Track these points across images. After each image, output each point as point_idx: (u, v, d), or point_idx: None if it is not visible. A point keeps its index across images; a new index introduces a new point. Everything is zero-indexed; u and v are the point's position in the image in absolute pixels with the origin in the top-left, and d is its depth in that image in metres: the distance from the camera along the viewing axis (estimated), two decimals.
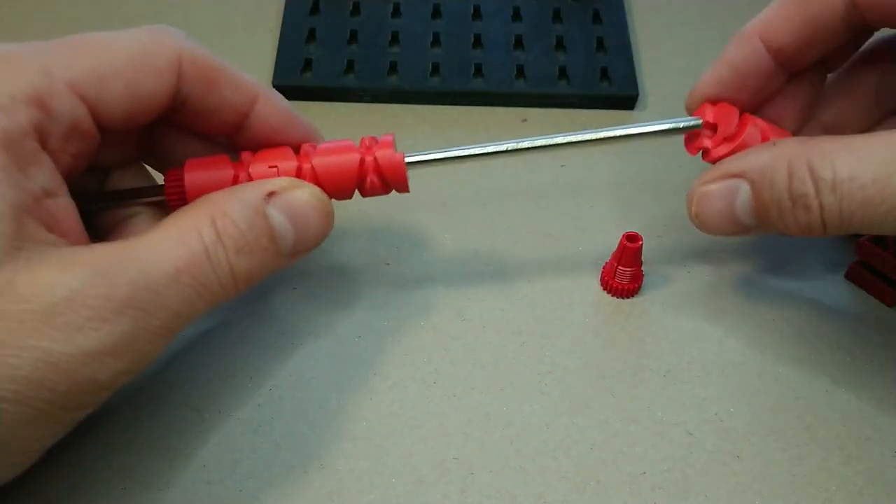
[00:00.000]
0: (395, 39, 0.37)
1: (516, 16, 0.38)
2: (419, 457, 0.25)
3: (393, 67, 0.36)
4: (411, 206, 0.32)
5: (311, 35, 0.37)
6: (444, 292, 0.30)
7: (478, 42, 0.37)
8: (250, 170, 0.24)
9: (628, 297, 0.29)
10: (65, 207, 0.21)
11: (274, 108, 0.25)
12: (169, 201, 0.24)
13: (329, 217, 0.24)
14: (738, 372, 0.28)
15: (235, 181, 0.24)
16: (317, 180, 0.25)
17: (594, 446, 0.26)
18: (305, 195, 0.24)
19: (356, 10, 0.38)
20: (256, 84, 0.25)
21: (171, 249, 0.21)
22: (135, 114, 0.22)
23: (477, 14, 0.38)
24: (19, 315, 0.18)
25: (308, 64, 0.36)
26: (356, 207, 0.26)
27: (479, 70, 0.36)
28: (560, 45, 0.37)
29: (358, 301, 0.29)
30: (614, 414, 0.26)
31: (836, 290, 0.30)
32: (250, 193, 0.23)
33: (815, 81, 0.28)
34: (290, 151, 0.25)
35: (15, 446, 0.20)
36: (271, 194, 0.23)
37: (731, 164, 0.25)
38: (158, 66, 0.22)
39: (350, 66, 0.36)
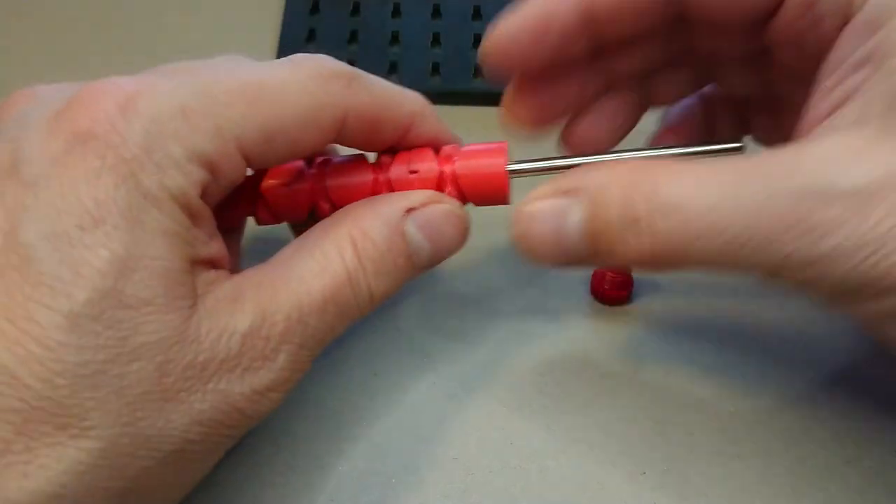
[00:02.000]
0: (395, 39, 0.37)
1: None
2: (419, 457, 0.25)
3: (393, 67, 0.36)
4: None
5: (311, 35, 0.37)
6: (444, 292, 0.30)
7: (478, 42, 0.37)
8: (390, 174, 0.24)
9: (619, 305, 0.29)
10: (220, 246, 0.21)
11: (427, 133, 0.24)
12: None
13: (466, 231, 0.24)
14: (739, 372, 0.28)
15: (375, 185, 0.24)
16: (458, 184, 0.24)
17: (594, 446, 0.26)
18: (444, 210, 0.23)
19: (356, 10, 0.38)
20: (415, 111, 0.24)
21: (318, 277, 0.21)
22: (284, 161, 0.23)
23: (477, 14, 0.38)
24: (204, 363, 0.19)
25: None
26: None
27: (479, 70, 0.36)
28: None
29: None
30: (614, 414, 0.27)
31: None
32: (389, 210, 0.23)
33: (632, 102, 0.26)
34: (431, 153, 0.24)
35: (192, 480, 0.21)
36: (410, 210, 0.23)
37: (565, 180, 0.22)
38: (323, 125, 0.22)
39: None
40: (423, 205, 0.23)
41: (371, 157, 0.25)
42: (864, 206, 0.18)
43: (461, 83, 0.35)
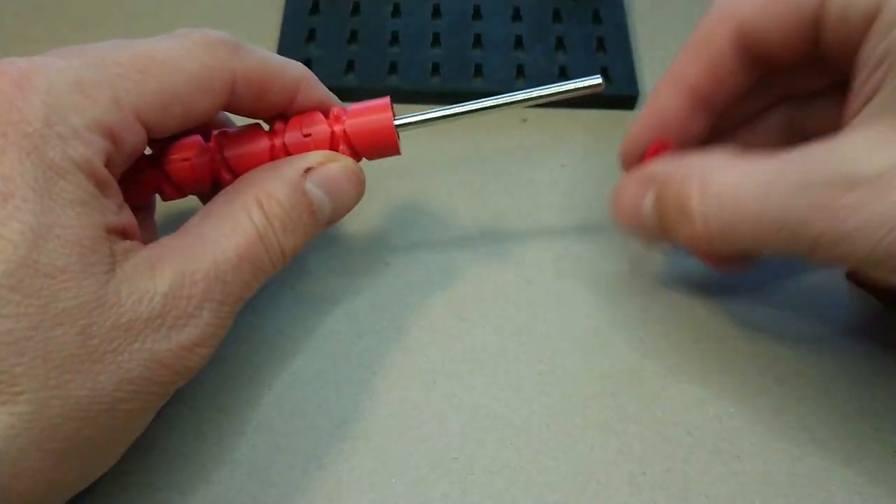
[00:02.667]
0: (395, 39, 0.37)
1: (516, 16, 0.38)
2: (419, 457, 0.25)
3: (393, 67, 0.36)
4: (412, 206, 0.32)
5: (311, 35, 0.37)
6: (444, 292, 0.30)
7: (478, 42, 0.37)
8: (285, 139, 0.25)
9: None
10: (128, 215, 0.22)
11: (313, 98, 0.25)
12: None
13: (361, 185, 0.26)
14: (738, 372, 0.28)
15: (272, 151, 0.25)
16: (350, 142, 0.25)
17: (594, 446, 0.26)
18: (340, 167, 0.25)
19: (356, 10, 0.38)
20: (299, 76, 0.25)
21: (230, 238, 0.22)
22: (181, 129, 0.23)
23: (477, 14, 0.38)
24: (128, 324, 0.20)
25: (308, 64, 0.36)
26: (357, 208, 0.26)
27: (479, 70, 0.36)
28: (560, 45, 0.37)
29: (358, 301, 0.29)
30: (614, 414, 0.26)
31: (836, 289, 0.30)
32: (289, 171, 0.24)
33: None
34: (321, 116, 0.25)
35: (124, 440, 0.22)
36: (308, 170, 0.24)
37: (646, 169, 0.26)
38: (214, 87, 0.23)
39: (350, 66, 0.36)
40: (321, 164, 0.24)
41: (266, 126, 0.26)
42: (883, 189, 0.20)
43: (461, 83, 0.35)
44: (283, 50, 0.36)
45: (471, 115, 0.26)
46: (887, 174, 0.20)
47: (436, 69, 0.36)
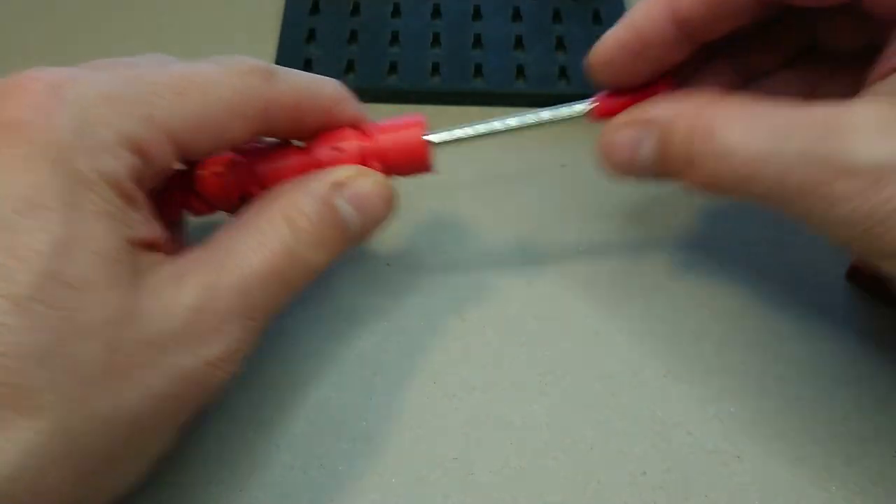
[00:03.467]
0: (395, 39, 0.37)
1: (516, 16, 0.38)
2: (419, 457, 0.25)
3: (393, 67, 0.36)
4: (412, 207, 0.32)
5: (311, 35, 0.37)
6: (445, 293, 0.30)
7: (478, 42, 0.37)
8: (316, 154, 0.25)
9: None
10: (155, 228, 0.22)
11: (347, 115, 0.25)
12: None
13: (391, 201, 0.25)
14: (739, 372, 0.28)
15: (302, 166, 0.25)
16: (381, 158, 0.25)
17: (594, 446, 0.26)
18: (370, 182, 0.24)
19: (356, 10, 0.38)
20: (334, 96, 0.25)
21: (258, 252, 0.22)
22: (213, 152, 0.23)
23: (477, 14, 0.38)
24: (153, 339, 0.20)
25: (308, 64, 0.36)
26: None
27: (479, 70, 0.36)
28: (560, 45, 0.37)
29: (358, 301, 0.29)
30: (614, 414, 0.27)
31: (836, 289, 0.30)
32: (318, 187, 0.24)
33: (734, 65, 0.27)
34: (352, 131, 0.25)
35: (148, 457, 0.21)
36: (338, 185, 0.24)
37: (642, 112, 0.24)
38: (247, 114, 0.23)
39: (350, 66, 0.36)
40: (351, 179, 0.24)
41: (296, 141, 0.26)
42: (878, 182, 0.20)
43: (461, 83, 0.35)
44: (283, 50, 0.36)
45: (509, 132, 0.26)
46: (883, 168, 0.20)
47: (436, 69, 0.36)
